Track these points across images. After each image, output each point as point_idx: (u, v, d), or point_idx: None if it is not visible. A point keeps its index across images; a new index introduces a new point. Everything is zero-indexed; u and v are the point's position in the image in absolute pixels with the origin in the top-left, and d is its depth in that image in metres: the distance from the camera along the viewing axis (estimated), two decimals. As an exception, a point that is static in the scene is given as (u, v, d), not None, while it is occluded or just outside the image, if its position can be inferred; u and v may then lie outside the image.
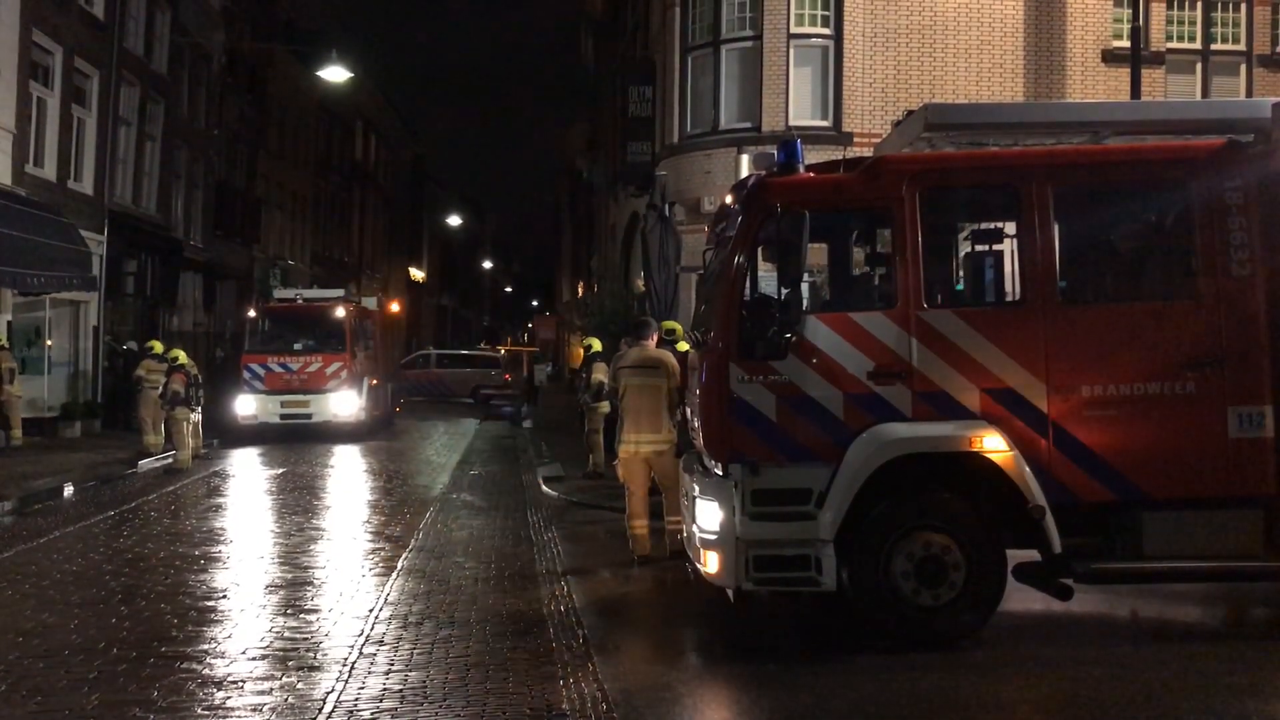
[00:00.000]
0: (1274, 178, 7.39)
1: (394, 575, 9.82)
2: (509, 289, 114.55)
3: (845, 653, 7.24)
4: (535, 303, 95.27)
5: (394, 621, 8.17)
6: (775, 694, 6.42)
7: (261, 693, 6.56)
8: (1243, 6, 19.49)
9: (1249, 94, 18.80)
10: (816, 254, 8.54)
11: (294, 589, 9.40)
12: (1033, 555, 7.35)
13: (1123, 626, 8.15)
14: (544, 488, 15.43)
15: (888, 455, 7.12)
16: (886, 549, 7.14)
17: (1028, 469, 7.11)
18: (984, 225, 7.88)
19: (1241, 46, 19.55)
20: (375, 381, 25.44)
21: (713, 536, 7.37)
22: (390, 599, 8.90)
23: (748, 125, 18.94)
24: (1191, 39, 19.59)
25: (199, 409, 19.18)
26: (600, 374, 15.74)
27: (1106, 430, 7.24)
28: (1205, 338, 7.35)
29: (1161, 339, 7.37)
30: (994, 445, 7.11)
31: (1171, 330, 7.40)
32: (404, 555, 10.74)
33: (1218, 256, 7.39)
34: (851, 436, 7.24)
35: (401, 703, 6.34)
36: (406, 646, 7.51)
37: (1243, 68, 19.49)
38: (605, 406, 15.50)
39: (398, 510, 13.98)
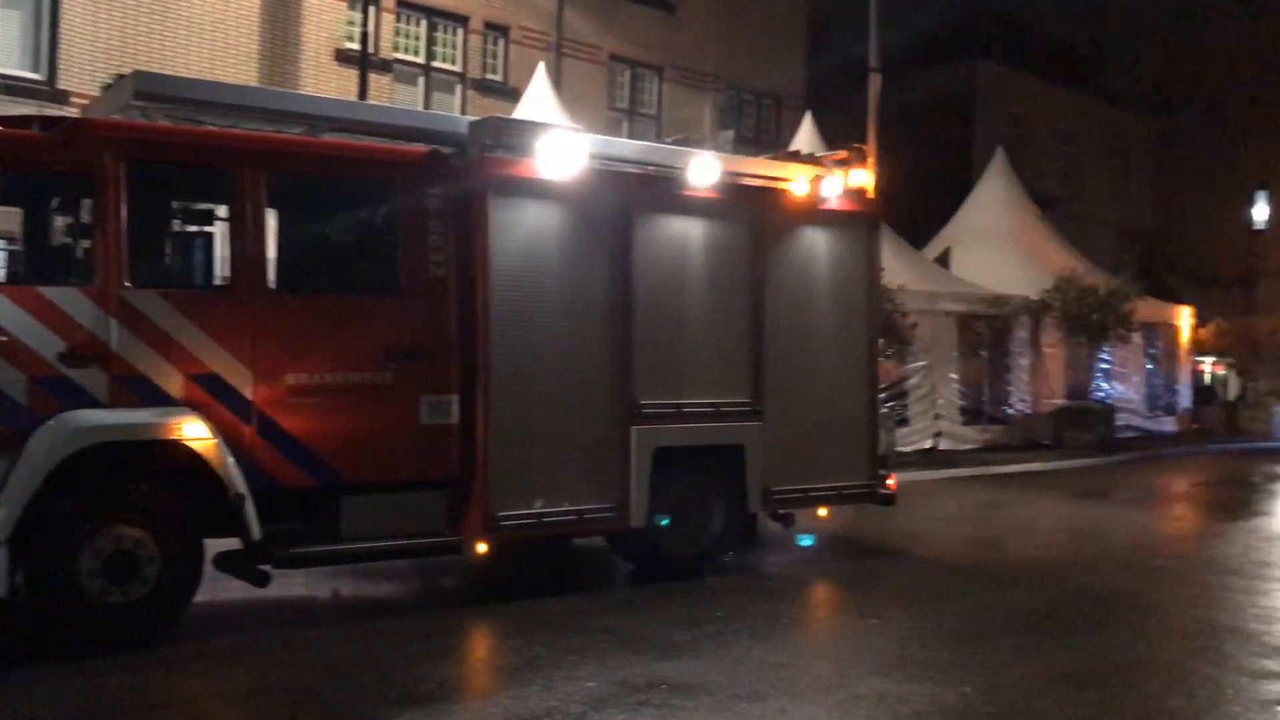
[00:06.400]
0: (469, 188, 8.13)
1: None
2: None
3: (24, 662, 6.51)
4: None
5: None
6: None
7: None
8: (460, 31, 21.42)
9: (464, 112, 20.67)
10: (9, 219, 7.68)
11: None
12: (235, 543, 7.27)
13: (322, 608, 8.43)
14: None
15: (76, 445, 6.56)
16: (72, 547, 6.57)
17: (230, 457, 7.00)
18: (195, 205, 7.60)
19: (459, 68, 21.46)
20: None
21: None
22: None
23: (-64, 64, 16.36)
24: (418, 53, 21.04)
25: None
26: None
27: (310, 417, 7.41)
28: (405, 331, 7.86)
29: (366, 330, 7.74)
30: (195, 433, 6.90)
31: (375, 323, 7.80)
32: None
33: (418, 256, 7.95)
34: (37, 424, 6.55)
35: None
36: None
37: (459, 88, 21.41)
38: None
39: None
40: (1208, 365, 31.56)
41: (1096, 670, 6.83)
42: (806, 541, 10.95)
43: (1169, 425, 25.33)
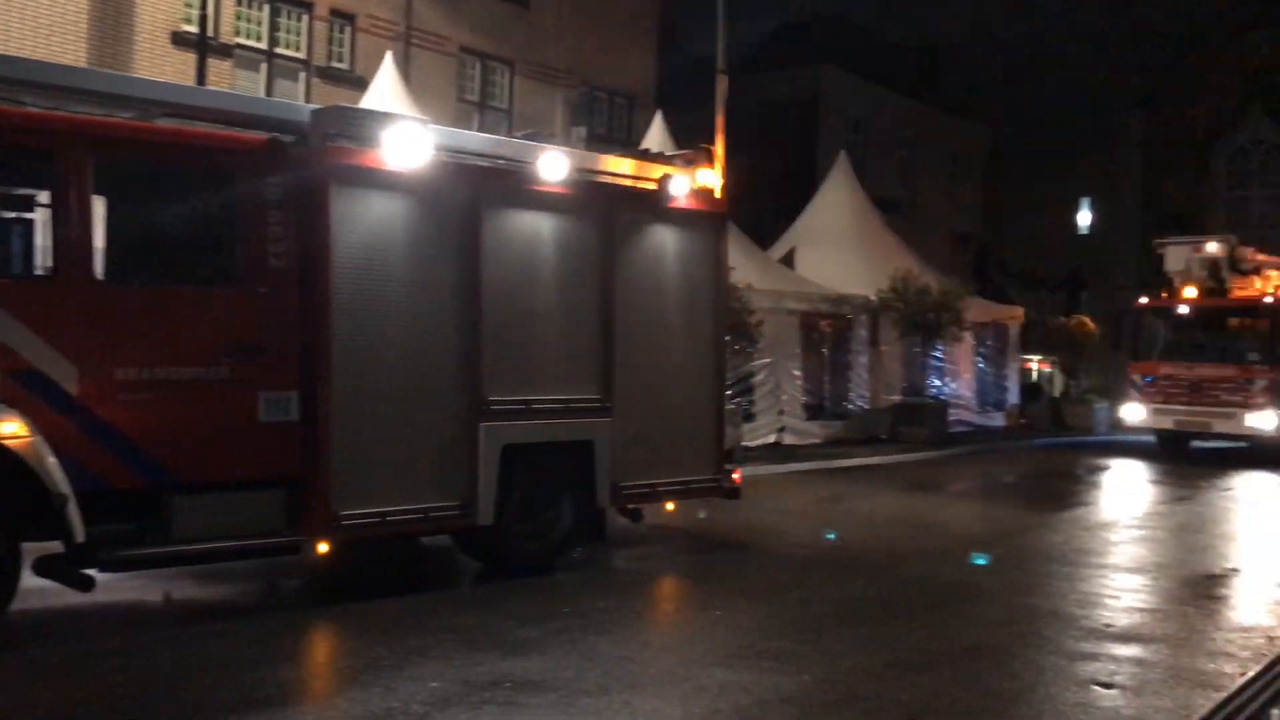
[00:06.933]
0: (311, 177, 7.91)
1: None
2: None
3: None
4: None
5: None
6: None
7: None
8: (304, 18, 20.84)
9: (308, 100, 20.10)
10: None
11: None
12: (56, 547, 6.91)
13: (153, 613, 8.08)
14: None
15: None
16: (-128, 553, 6.15)
17: (51, 456, 6.64)
18: (13, 190, 7.17)
19: (303, 55, 20.88)
20: None
21: None
22: None
23: None
24: (260, 39, 20.38)
25: None
26: None
27: (139, 414, 7.10)
28: (243, 325, 7.60)
29: (202, 324, 7.47)
30: (11, 431, 6.53)
31: (212, 316, 7.53)
32: None
33: (257, 248, 7.70)
34: None
35: None
36: None
37: (303, 75, 20.83)
38: None
39: None
40: (1035, 363, 33.08)
41: (929, 656, 7.09)
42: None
43: (998, 420, 26.44)
